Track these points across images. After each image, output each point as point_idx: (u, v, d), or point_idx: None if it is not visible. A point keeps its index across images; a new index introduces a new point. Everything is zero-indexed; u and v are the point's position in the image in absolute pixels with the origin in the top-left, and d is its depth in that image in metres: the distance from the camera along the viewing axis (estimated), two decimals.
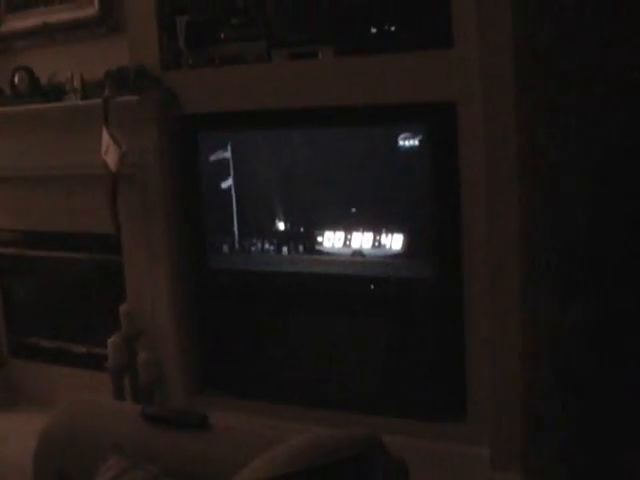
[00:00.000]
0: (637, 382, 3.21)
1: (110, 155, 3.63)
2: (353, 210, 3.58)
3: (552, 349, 3.50)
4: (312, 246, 3.67)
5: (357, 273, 3.61)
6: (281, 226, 3.74)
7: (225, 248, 3.85)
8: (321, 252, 3.65)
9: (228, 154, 3.75)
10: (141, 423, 2.19)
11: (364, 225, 3.56)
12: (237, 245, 3.83)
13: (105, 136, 3.63)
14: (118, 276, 4.08)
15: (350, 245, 3.59)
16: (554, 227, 3.48)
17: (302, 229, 3.70)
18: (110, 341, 3.88)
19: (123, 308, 3.91)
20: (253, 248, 3.79)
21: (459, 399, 3.42)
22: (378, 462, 1.76)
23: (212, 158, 3.79)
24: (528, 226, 3.20)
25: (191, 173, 3.86)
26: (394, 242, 3.50)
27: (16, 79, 4.07)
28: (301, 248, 3.69)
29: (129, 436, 2.15)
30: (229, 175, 3.78)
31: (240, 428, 2.22)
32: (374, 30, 3.39)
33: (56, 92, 3.97)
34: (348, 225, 3.59)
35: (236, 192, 3.78)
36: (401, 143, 3.37)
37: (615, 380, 3.43)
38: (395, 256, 3.49)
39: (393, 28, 3.36)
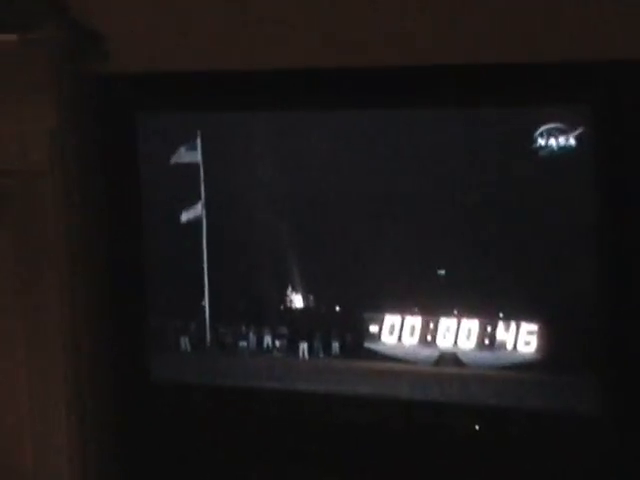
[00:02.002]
0: None
1: None
2: (441, 273, 2.39)
3: None
4: (358, 343, 2.44)
5: (449, 399, 2.41)
6: (297, 301, 2.49)
7: (184, 343, 2.60)
8: (376, 355, 2.43)
9: (196, 155, 2.54)
10: None
11: (462, 304, 2.39)
12: (208, 337, 2.57)
13: None
14: None
15: (435, 343, 2.39)
16: None
17: (338, 308, 2.46)
18: None
19: None
20: (241, 344, 2.53)
21: None
22: None
23: (167, 162, 2.60)
24: None
25: (122, 190, 2.68)
26: (522, 339, 2.34)
27: None
28: (336, 346, 2.44)
29: None
30: (197, 195, 2.56)
31: None
32: None
33: None
34: (430, 304, 2.41)
35: (209, 229, 2.55)
36: (541, 142, 2.28)
37: None
38: (524, 367, 2.36)
39: None
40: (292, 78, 2.52)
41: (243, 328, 2.52)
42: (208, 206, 2.58)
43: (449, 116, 2.46)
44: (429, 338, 2.40)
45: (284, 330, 2.50)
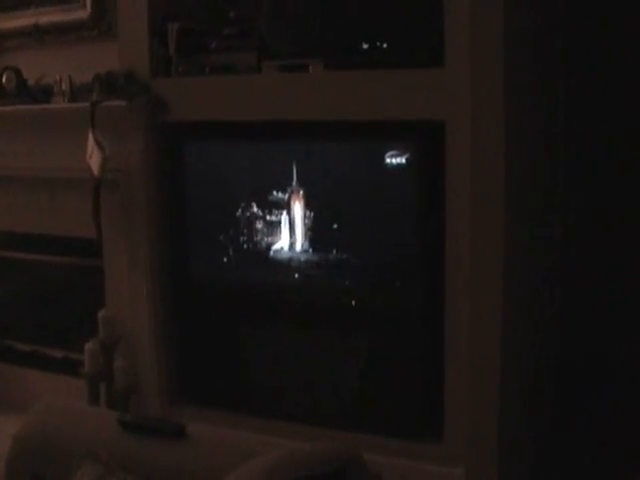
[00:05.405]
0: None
1: (94, 159, 3.64)
2: (335, 227, 3.52)
3: (527, 374, 3.57)
4: None
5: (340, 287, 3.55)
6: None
7: (208, 257, 3.79)
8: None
9: (211, 162, 3.74)
10: (118, 430, 2.19)
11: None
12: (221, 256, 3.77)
13: (90, 140, 3.64)
14: (98, 281, 4.03)
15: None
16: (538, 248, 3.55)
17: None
18: (87, 347, 3.84)
19: (102, 314, 3.87)
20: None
21: (437, 419, 3.37)
22: (357, 478, 1.75)
23: (197, 166, 3.78)
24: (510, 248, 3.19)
25: (176, 180, 3.82)
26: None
27: (4, 79, 4.05)
28: None
29: (105, 443, 2.15)
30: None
31: (217, 439, 2.21)
32: (366, 46, 3.37)
33: (44, 94, 3.95)
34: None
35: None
36: (388, 160, 3.32)
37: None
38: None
39: (385, 45, 3.34)
40: (259, 126, 3.51)
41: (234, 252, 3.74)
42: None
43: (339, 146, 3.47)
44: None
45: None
